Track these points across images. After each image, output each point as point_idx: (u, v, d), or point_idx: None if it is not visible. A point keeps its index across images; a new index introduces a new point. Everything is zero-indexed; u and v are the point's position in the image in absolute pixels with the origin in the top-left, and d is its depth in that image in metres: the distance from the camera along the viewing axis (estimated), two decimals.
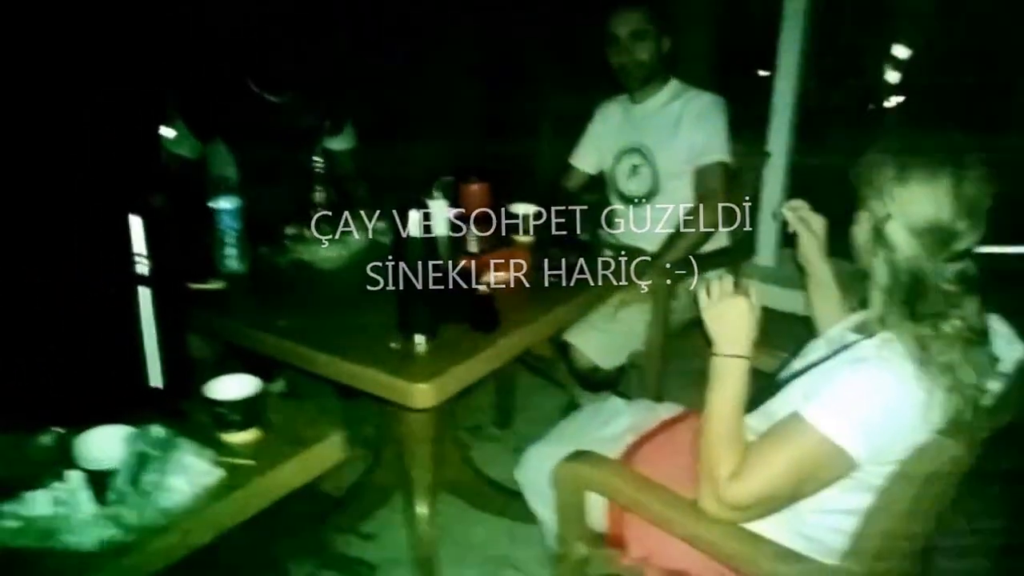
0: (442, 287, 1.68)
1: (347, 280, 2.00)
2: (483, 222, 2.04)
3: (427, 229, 1.61)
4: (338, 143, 2.80)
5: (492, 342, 1.69)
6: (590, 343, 2.32)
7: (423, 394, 1.51)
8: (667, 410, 1.82)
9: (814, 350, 1.51)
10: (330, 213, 2.24)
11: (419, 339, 1.64)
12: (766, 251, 3.58)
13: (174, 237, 1.93)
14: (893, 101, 5.41)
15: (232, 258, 2.00)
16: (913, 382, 1.21)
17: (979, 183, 1.23)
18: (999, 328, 1.34)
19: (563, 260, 2.01)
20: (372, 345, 1.64)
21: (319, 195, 2.25)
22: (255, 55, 2.53)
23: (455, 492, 2.32)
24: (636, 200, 2.64)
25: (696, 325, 2.53)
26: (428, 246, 1.63)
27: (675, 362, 2.43)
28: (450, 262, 1.98)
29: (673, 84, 2.60)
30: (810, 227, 1.68)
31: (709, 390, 1.39)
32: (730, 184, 2.49)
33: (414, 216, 1.60)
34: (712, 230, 2.46)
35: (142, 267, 1.39)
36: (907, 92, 5.35)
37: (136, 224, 1.38)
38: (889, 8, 5.51)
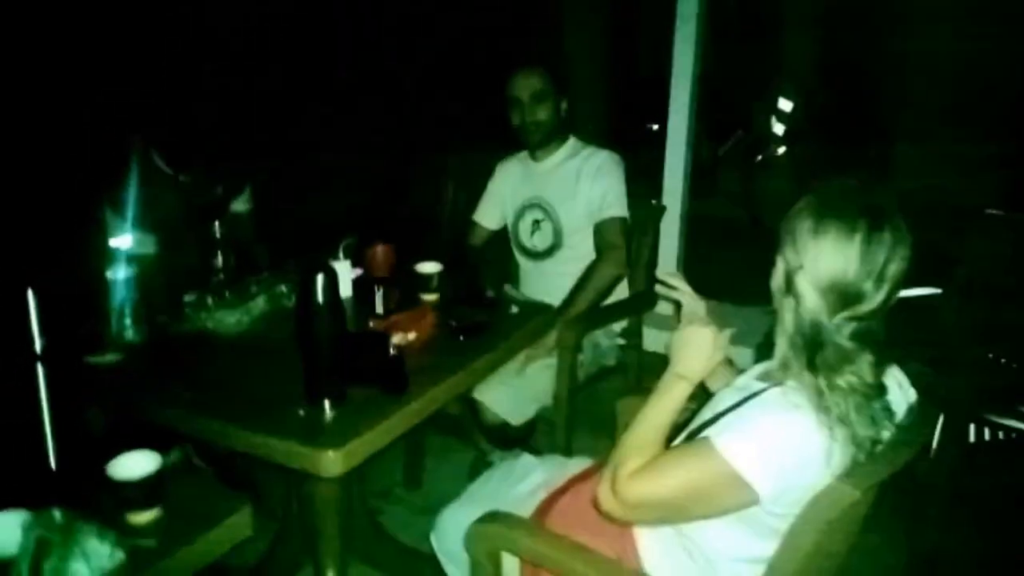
0: (349, 350, 1.67)
1: (250, 346, 1.96)
2: (388, 283, 2.04)
3: (332, 291, 1.60)
4: (239, 205, 2.78)
5: (402, 404, 1.68)
6: (498, 400, 2.33)
7: (332, 462, 1.49)
8: (577, 464, 1.84)
9: (722, 400, 1.55)
10: (232, 278, 2.21)
11: (327, 405, 1.62)
12: (664, 300, 3.66)
13: (69, 310, 1.89)
14: (780, 151, 5.70)
15: (129, 329, 1.94)
16: (816, 428, 1.24)
17: (894, 246, 1.25)
18: (895, 375, 1.39)
19: (470, 318, 2.03)
20: (278, 413, 1.60)
21: (220, 261, 2.21)
22: (162, 132, 2.51)
23: (367, 560, 2.27)
24: (539, 254, 2.69)
25: (597, 378, 2.62)
26: (333, 310, 1.61)
27: (583, 414, 2.46)
28: (357, 324, 1.99)
29: (572, 142, 2.68)
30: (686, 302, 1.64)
31: (648, 400, 1.43)
32: (629, 237, 2.56)
33: (319, 280, 1.59)
34: (614, 283, 2.52)
35: (38, 343, 1.34)
36: (791, 142, 5.65)
37: (31, 300, 1.33)
38: (774, 64, 5.84)
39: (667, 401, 1.41)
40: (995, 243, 2.40)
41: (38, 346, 1.33)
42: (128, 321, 1.93)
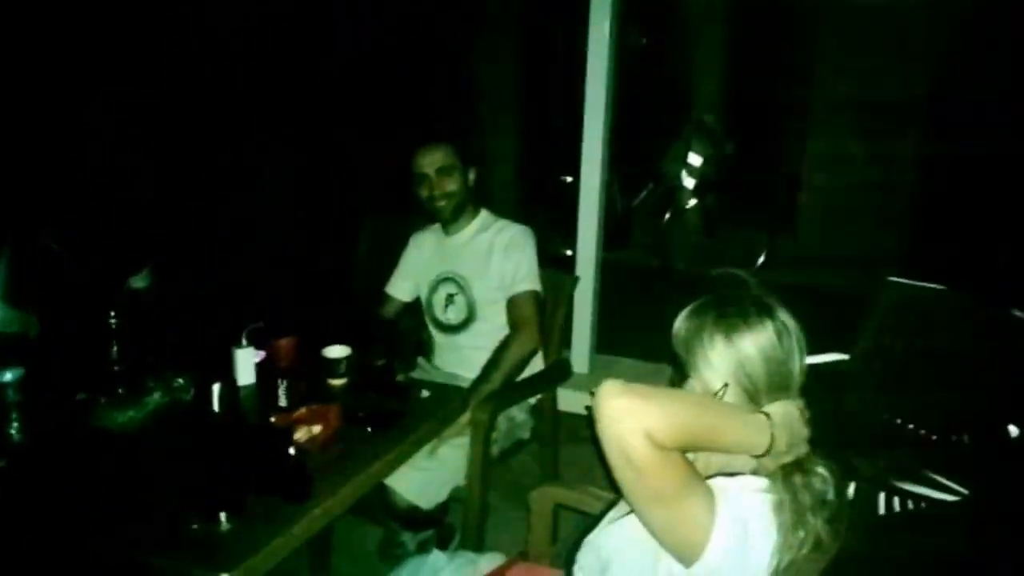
0: (246, 457, 1.60)
1: (144, 448, 1.86)
2: (293, 375, 1.97)
3: (227, 401, 1.53)
4: (138, 282, 2.68)
5: (306, 511, 1.61)
6: (409, 484, 2.26)
7: None
8: (488, 562, 1.79)
9: None
10: (127, 370, 2.11)
11: (223, 517, 1.54)
12: (580, 358, 3.67)
13: None
14: (690, 203, 5.81)
15: (16, 432, 1.82)
16: (771, 524, 1.24)
17: (793, 334, 1.31)
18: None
19: (380, 407, 1.98)
20: (169, 528, 1.52)
21: (115, 353, 2.11)
22: (53, 215, 2.41)
23: None
24: (453, 328, 2.66)
25: (511, 452, 2.59)
26: (230, 416, 1.54)
27: (498, 487, 2.43)
28: (259, 417, 1.91)
29: (483, 215, 2.66)
30: None
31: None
32: (542, 310, 2.55)
33: (215, 389, 1.52)
34: (528, 357, 2.50)
35: None
36: (701, 195, 5.77)
37: None
38: (682, 120, 5.98)
39: (734, 423, 1.27)
40: (897, 309, 2.46)
41: None
42: (16, 425, 1.82)
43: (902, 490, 2.25)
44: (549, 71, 5.95)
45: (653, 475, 1.15)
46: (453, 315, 2.65)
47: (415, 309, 2.79)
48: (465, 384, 2.44)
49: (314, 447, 1.78)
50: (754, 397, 1.30)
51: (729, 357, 1.29)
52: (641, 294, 4.78)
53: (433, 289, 2.68)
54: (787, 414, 1.28)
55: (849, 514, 2.15)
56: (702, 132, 5.73)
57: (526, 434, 2.67)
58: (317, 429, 1.81)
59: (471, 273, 2.60)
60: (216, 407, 1.50)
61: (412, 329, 2.78)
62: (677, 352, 1.35)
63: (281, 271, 3.76)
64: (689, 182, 5.74)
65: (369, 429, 1.92)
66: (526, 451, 2.72)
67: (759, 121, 6.11)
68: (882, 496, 2.29)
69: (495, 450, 2.44)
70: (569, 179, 4.22)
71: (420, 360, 2.73)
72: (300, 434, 1.80)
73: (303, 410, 1.86)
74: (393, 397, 2.04)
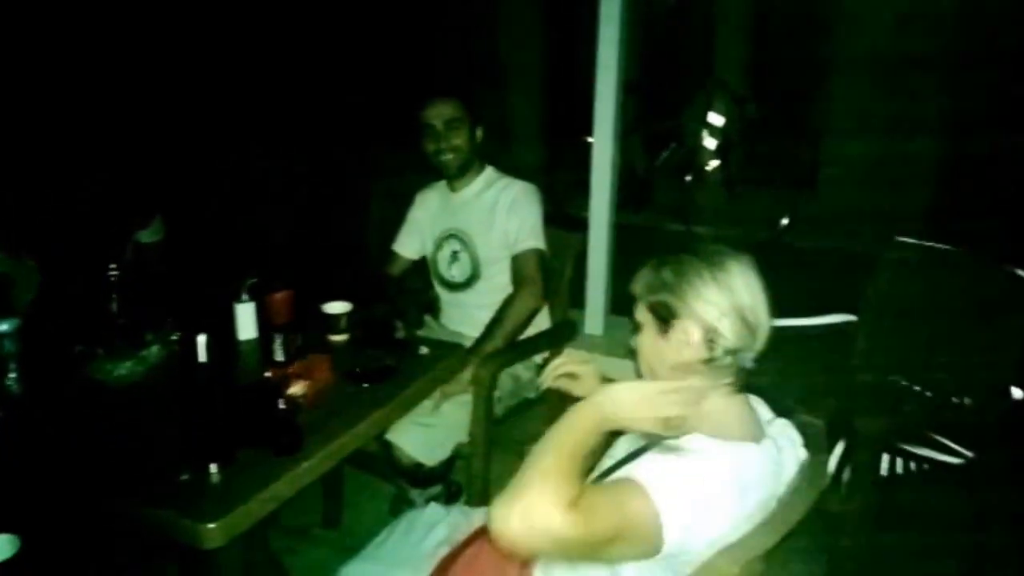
0: (236, 409, 1.60)
1: (142, 399, 1.87)
2: (288, 329, 1.96)
3: (216, 352, 1.52)
4: (147, 235, 2.69)
5: (294, 465, 1.61)
6: (412, 441, 2.27)
7: (212, 534, 1.41)
8: (482, 516, 1.78)
9: (619, 445, 1.52)
10: (128, 324, 2.12)
11: (212, 468, 1.55)
12: (594, 319, 3.64)
13: None
14: (711, 165, 5.72)
15: (13, 383, 1.84)
16: (730, 481, 1.23)
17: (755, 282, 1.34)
18: (788, 433, 1.39)
19: (376, 363, 1.97)
20: (160, 477, 1.53)
21: (115, 306, 2.12)
22: (64, 152, 2.41)
23: None
24: (457, 286, 2.64)
25: (518, 411, 2.58)
26: (220, 368, 1.54)
27: (505, 445, 2.42)
28: (259, 371, 1.91)
29: (488, 172, 2.63)
30: (583, 379, 1.62)
31: (559, 423, 1.27)
32: (546, 269, 2.52)
33: (200, 340, 1.52)
34: (531, 316, 2.47)
35: None
36: (724, 156, 5.67)
37: None
38: (706, 73, 5.86)
39: (578, 429, 1.26)
40: (907, 270, 2.41)
41: None
42: (12, 375, 1.84)
43: (905, 451, 2.22)
44: (574, 30, 5.85)
45: (594, 525, 1.15)
46: (457, 272, 2.63)
47: (424, 268, 2.78)
48: (469, 342, 2.43)
49: (306, 401, 1.78)
50: (753, 330, 1.31)
51: (724, 290, 1.30)
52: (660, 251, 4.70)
53: (438, 246, 2.66)
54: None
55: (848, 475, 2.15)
56: (724, 92, 5.61)
57: (532, 393, 2.65)
58: (309, 384, 1.80)
59: (475, 230, 2.58)
60: (202, 358, 1.49)
61: (419, 288, 2.77)
62: (661, 299, 1.33)
63: (294, 229, 3.76)
64: (711, 143, 5.65)
65: (364, 385, 1.92)
66: (533, 412, 2.71)
67: (783, 81, 5.96)
68: (885, 457, 2.26)
69: (499, 408, 2.43)
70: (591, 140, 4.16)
71: (428, 319, 2.73)
72: (295, 388, 1.80)
73: (294, 366, 1.85)
74: (390, 353, 2.03)
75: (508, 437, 2.44)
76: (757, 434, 1.32)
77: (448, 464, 2.39)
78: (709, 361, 1.32)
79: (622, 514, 1.19)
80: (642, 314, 1.38)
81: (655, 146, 5.92)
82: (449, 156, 2.54)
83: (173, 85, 3.55)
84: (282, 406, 1.63)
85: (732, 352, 1.31)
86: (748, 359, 1.32)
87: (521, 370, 2.57)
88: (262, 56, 3.78)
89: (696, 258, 1.33)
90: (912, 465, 2.24)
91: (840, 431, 2.28)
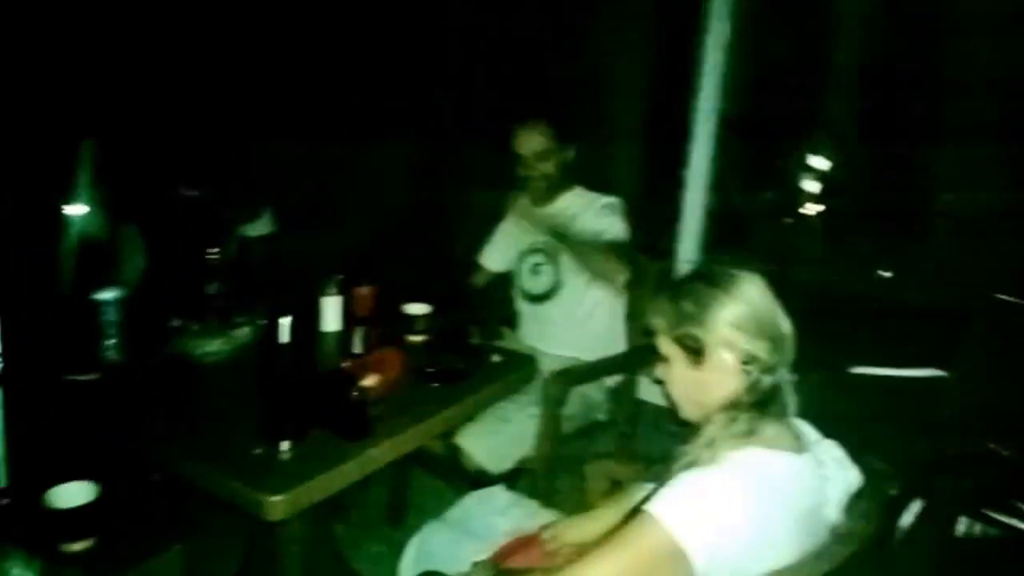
0: (312, 392, 1.67)
1: (228, 376, 1.97)
2: (369, 323, 2.04)
3: (297, 333, 1.60)
4: (254, 229, 2.82)
5: (360, 451, 1.67)
6: (479, 446, 2.31)
7: (275, 507, 1.48)
8: (546, 519, 1.80)
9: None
10: (223, 305, 2.23)
11: (284, 445, 1.62)
12: None
13: (49, 328, 1.92)
14: (812, 209, 5.59)
15: (112, 350, 1.97)
16: (754, 489, 1.21)
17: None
18: (831, 450, 1.37)
19: (447, 364, 2.03)
20: (236, 449, 1.61)
21: (213, 287, 2.23)
22: (176, 148, 2.57)
23: None
24: (538, 298, 2.68)
25: (587, 432, 2.59)
26: (299, 351, 1.61)
27: (569, 465, 2.42)
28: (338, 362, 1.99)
29: (577, 190, 2.68)
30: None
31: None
32: (630, 261, 2.54)
33: (284, 322, 1.59)
34: (609, 272, 2.49)
35: None
36: (826, 201, 5.53)
37: None
38: (808, 120, 5.74)
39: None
40: (1003, 329, 2.33)
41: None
42: (112, 342, 1.96)
43: (985, 515, 2.13)
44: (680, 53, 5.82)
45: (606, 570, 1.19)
46: (539, 284, 2.67)
47: (508, 282, 2.83)
48: (544, 357, 2.47)
49: (377, 393, 1.84)
50: (781, 342, 1.31)
51: (746, 311, 1.30)
52: None
53: (522, 259, 2.72)
54: None
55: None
56: (831, 135, 5.48)
57: (602, 416, 2.66)
58: (381, 378, 1.86)
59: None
60: (284, 340, 1.57)
61: (501, 300, 2.83)
62: (688, 332, 1.33)
63: (392, 232, 3.88)
64: (814, 186, 5.52)
65: (434, 385, 1.97)
66: (605, 434, 2.71)
67: (893, 128, 5.78)
68: (963, 519, 2.17)
69: (568, 426, 2.45)
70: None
71: (506, 331, 2.78)
72: (367, 380, 1.87)
73: (368, 358, 1.92)
74: (463, 357, 2.08)
75: (574, 456, 2.45)
76: (796, 447, 1.29)
77: (512, 475, 2.42)
78: (752, 387, 1.31)
79: (637, 551, 1.20)
80: (668, 347, 1.38)
81: (755, 185, 5.83)
82: (538, 183, 2.61)
83: (294, 82, 3.71)
84: (355, 394, 1.69)
85: (769, 370, 1.30)
86: (784, 375, 1.32)
87: (592, 391, 2.59)
88: (381, 58, 3.90)
89: (711, 286, 1.33)
90: (989, 530, 2.15)
91: (919, 488, 2.21)
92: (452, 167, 4.09)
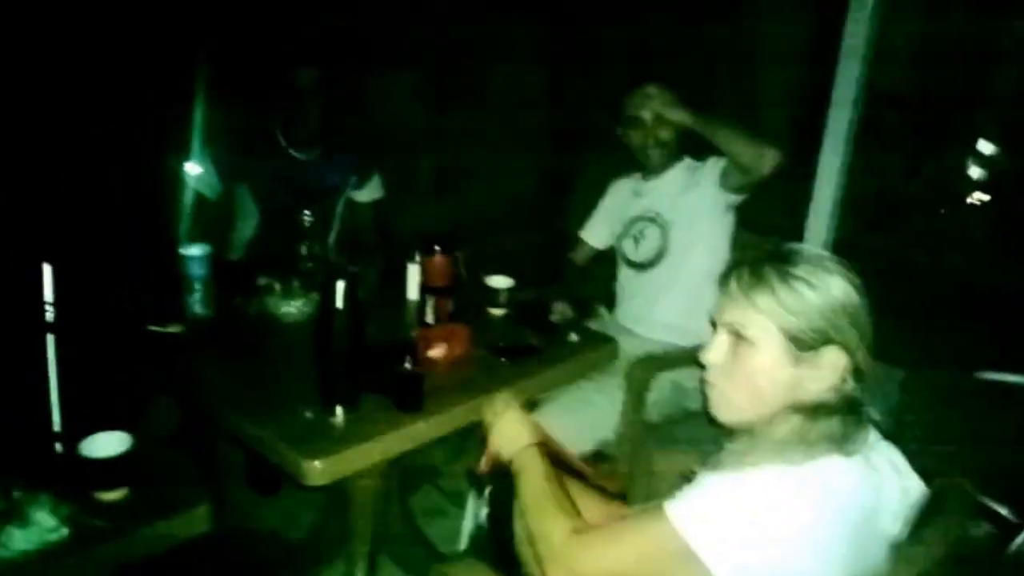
0: (370, 360, 1.66)
1: (302, 336, 2.00)
2: (442, 293, 2.01)
3: (352, 299, 1.58)
4: (362, 195, 2.85)
5: (411, 422, 1.65)
6: (559, 425, 2.23)
7: (314, 472, 1.48)
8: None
9: None
10: (310, 268, 2.27)
11: (339, 411, 1.62)
12: None
13: (132, 280, 2.01)
14: (976, 197, 5.12)
15: (197, 304, 2.03)
16: (800, 492, 1.07)
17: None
18: (885, 452, 1.20)
19: (519, 340, 1.98)
20: (289, 411, 1.62)
21: (304, 248, 2.27)
22: (284, 111, 2.61)
23: (399, 563, 2.27)
24: (644, 265, 2.56)
25: (680, 421, 2.47)
26: (350, 318, 1.59)
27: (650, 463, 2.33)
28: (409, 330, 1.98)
29: (686, 161, 2.56)
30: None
31: (520, 485, 1.41)
32: None
33: (340, 286, 1.58)
34: (759, 152, 2.23)
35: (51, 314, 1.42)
36: (991, 189, 5.05)
37: (47, 272, 1.41)
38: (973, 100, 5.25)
39: (533, 470, 1.41)
40: None
41: (49, 315, 1.40)
42: (198, 296, 2.03)
43: None
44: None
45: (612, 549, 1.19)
46: (645, 250, 2.55)
47: (609, 259, 2.74)
48: (637, 340, 2.38)
49: (441, 366, 1.81)
50: (854, 352, 1.16)
51: (861, 312, 1.16)
52: (896, 289, 4.21)
53: (626, 230, 2.60)
54: None
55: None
56: (998, 117, 4.98)
57: (696, 405, 2.53)
58: (445, 348, 1.83)
59: (666, 206, 2.51)
60: (339, 305, 1.56)
61: (601, 278, 2.74)
62: (812, 326, 1.16)
63: (499, 203, 3.85)
64: (977, 172, 5.05)
65: (503, 360, 1.92)
66: (697, 423, 2.58)
67: None
68: None
69: (654, 413, 2.35)
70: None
71: (602, 311, 2.69)
72: (433, 351, 1.84)
73: (432, 330, 1.89)
74: (538, 334, 2.02)
75: (658, 444, 2.34)
76: (847, 449, 1.13)
77: (593, 458, 2.34)
78: (840, 391, 1.17)
79: (643, 544, 1.15)
80: (763, 333, 1.18)
81: (912, 168, 5.40)
82: (655, 151, 2.48)
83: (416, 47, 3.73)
84: (408, 366, 1.66)
85: (860, 375, 1.17)
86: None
87: (685, 378, 2.46)
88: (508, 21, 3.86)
89: (831, 274, 1.17)
90: None
91: None
92: (581, 136, 4.00)
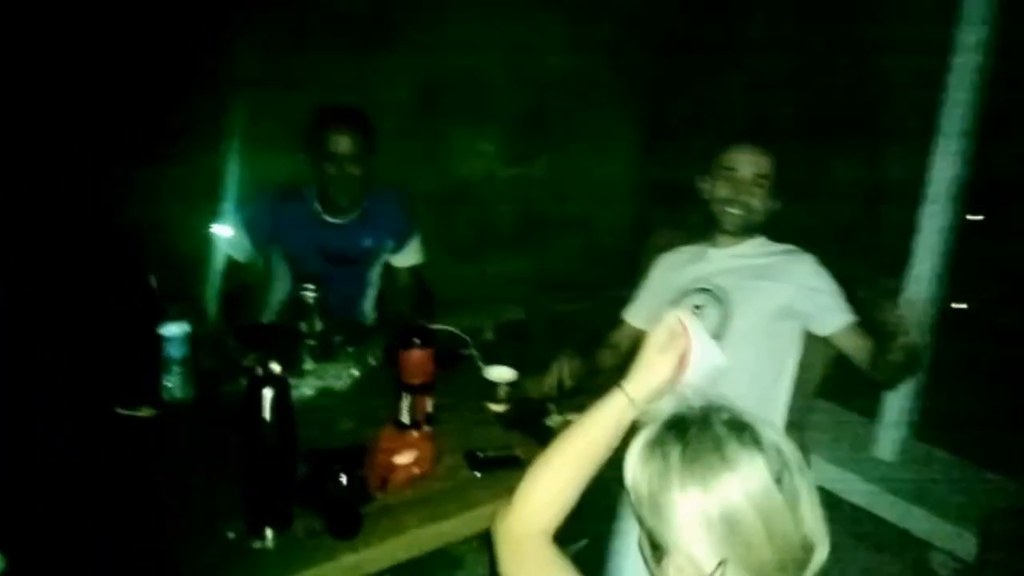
0: (295, 475, 1.48)
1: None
2: (420, 391, 1.80)
3: (280, 407, 1.40)
4: (400, 260, 2.72)
5: (349, 552, 1.44)
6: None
7: None
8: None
9: None
10: (313, 345, 2.13)
11: (268, 532, 1.44)
12: (886, 439, 2.95)
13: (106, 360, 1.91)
14: None
15: (174, 387, 1.92)
16: None
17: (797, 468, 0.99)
18: None
19: (502, 451, 1.75)
20: (212, 527, 1.45)
21: (304, 326, 2.13)
22: (320, 177, 2.50)
23: None
24: None
25: None
26: (284, 427, 1.42)
27: None
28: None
29: (761, 239, 2.27)
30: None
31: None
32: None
33: (267, 394, 1.41)
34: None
35: None
36: None
37: None
38: None
39: (603, 417, 1.21)
40: None
41: None
42: (174, 379, 1.91)
43: None
44: None
45: None
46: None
47: None
48: None
49: (397, 479, 1.60)
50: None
51: (711, 514, 0.90)
52: (1005, 370, 3.53)
53: (678, 300, 2.23)
54: None
55: None
56: None
57: None
58: (405, 459, 1.63)
59: (734, 286, 2.18)
60: (267, 416, 1.39)
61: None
62: (643, 518, 0.95)
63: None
64: None
65: (477, 474, 1.69)
66: None
67: None
68: None
69: None
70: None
71: None
72: (401, 458, 1.64)
73: (400, 435, 1.69)
74: (533, 439, 1.78)
75: None
76: None
77: None
78: None
79: None
80: None
81: None
82: (738, 212, 2.19)
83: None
84: (344, 482, 1.46)
85: None
86: None
87: None
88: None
89: (680, 446, 0.96)
90: None
91: None
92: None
